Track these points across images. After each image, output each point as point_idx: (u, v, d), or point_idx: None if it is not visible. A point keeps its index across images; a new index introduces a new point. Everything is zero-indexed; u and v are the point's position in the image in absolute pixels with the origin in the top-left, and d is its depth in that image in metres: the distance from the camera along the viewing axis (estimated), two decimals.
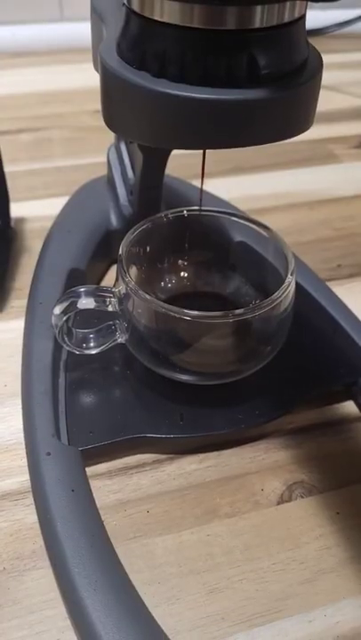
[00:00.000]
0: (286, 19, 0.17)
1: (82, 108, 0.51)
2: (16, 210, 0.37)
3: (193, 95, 0.17)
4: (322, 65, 0.19)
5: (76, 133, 0.48)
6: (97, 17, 0.22)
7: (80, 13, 0.62)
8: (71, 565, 0.20)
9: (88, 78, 0.54)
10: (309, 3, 0.17)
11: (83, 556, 0.21)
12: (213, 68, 0.17)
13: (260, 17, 0.16)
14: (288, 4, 0.16)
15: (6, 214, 0.35)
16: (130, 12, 0.18)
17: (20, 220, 0.38)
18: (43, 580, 0.22)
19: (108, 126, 0.20)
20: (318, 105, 0.19)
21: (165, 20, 0.16)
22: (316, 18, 0.62)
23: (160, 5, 0.16)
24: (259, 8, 0.16)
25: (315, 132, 0.47)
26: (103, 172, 0.38)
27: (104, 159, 0.39)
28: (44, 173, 0.43)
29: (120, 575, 0.21)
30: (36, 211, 0.39)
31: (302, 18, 0.17)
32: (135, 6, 0.17)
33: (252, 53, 0.16)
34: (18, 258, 0.35)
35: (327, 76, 0.38)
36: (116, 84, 0.18)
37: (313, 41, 0.20)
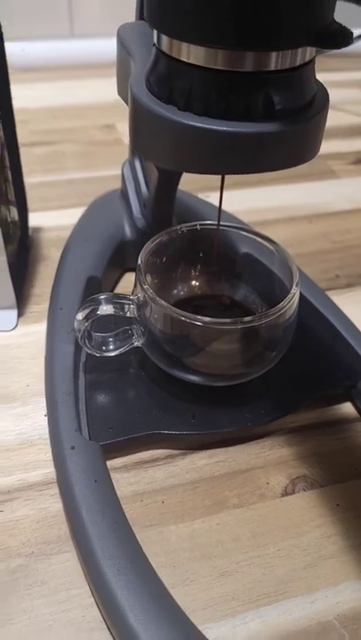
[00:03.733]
0: (298, 62, 0.19)
1: (92, 122, 0.53)
2: (32, 220, 0.39)
3: (215, 128, 0.19)
4: (328, 99, 0.21)
5: (87, 147, 0.50)
6: (124, 50, 0.24)
7: (90, 30, 0.64)
8: (97, 549, 0.22)
9: (96, 94, 0.57)
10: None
11: (107, 540, 0.23)
12: (233, 104, 0.19)
13: (275, 61, 0.18)
14: (300, 49, 0.19)
15: (25, 224, 0.37)
16: (159, 52, 0.20)
17: (36, 230, 0.40)
18: (68, 562, 0.24)
19: (137, 151, 0.22)
20: None
21: (191, 61, 0.19)
22: None
23: (187, 48, 0.19)
24: (274, 54, 0.18)
25: None
26: (113, 184, 0.41)
27: (113, 172, 0.41)
28: (57, 185, 0.45)
29: (141, 558, 0.23)
30: (50, 221, 0.41)
31: (312, 60, 0.20)
32: (164, 48, 0.19)
33: (268, 92, 0.19)
34: (35, 265, 0.37)
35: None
36: (146, 115, 0.20)
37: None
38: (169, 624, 0.21)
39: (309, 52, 0.19)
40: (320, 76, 0.22)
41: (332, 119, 0.57)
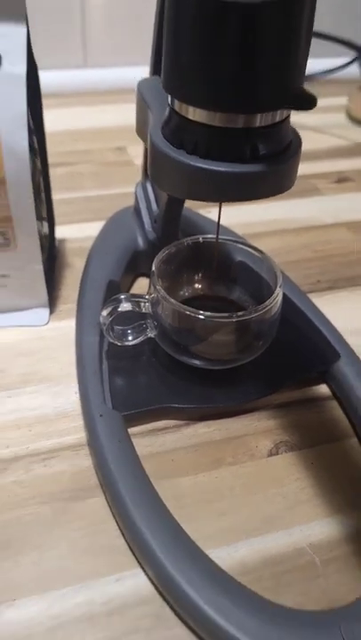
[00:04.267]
0: (277, 120, 0.25)
1: (106, 145, 0.59)
2: (56, 232, 0.46)
3: (214, 168, 0.25)
4: (301, 144, 0.27)
5: (101, 168, 0.56)
6: (143, 101, 0.30)
7: (101, 61, 0.70)
8: (123, 493, 0.28)
9: (109, 119, 0.63)
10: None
11: (130, 486, 0.28)
12: (228, 150, 0.25)
13: (259, 120, 0.24)
14: (278, 111, 0.25)
15: (52, 237, 0.43)
16: (172, 110, 0.26)
17: (61, 241, 0.46)
18: (97, 504, 0.29)
19: (154, 182, 0.28)
20: (305, 145, 0.28)
21: (197, 119, 0.25)
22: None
23: (193, 110, 0.25)
24: (259, 115, 0.24)
25: (301, 169, 0.56)
26: (125, 201, 0.47)
27: (125, 190, 0.47)
28: (77, 202, 0.51)
29: (157, 500, 0.28)
30: (72, 233, 0.47)
31: (287, 117, 0.26)
32: (176, 107, 0.25)
33: (255, 142, 0.25)
34: (61, 272, 0.43)
35: (314, 119, 0.48)
36: (162, 157, 0.26)
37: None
38: (180, 546, 0.27)
39: (286, 112, 0.25)
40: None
41: (318, 142, 0.64)
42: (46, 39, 0.66)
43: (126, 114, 0.64)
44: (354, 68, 0.69)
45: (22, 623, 0.25)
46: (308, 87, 0.27)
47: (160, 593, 0.26)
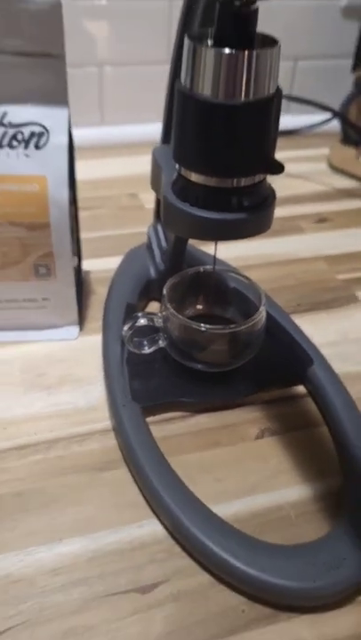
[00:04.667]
0: (256, 181, 0.34)
1: (121, 192, 0.69)
2: (83, 265, 0.54)
3: (210, 216, 0.34)
4: (275, 197, 0.36)
5: (118, 211, 0.65)
6: (157, 165, 0.39)
7: (116, 120, 0.80)
8: (143, 463, 0.36)
9: (123, 170, 0.73)
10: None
11: (149, 458, 0.37)
12: (221, 203, 0.34)
13: (244, 182, 0.33)
14: (257, 175, 0.34)
15: (80, 268, 0.52)
16: (179, 174, 0.35)
17: (86, 272, 0.55)
18: (121, 473, 0.37)
19: (166, 227, 0.37)
20: (290, 189, 0.37)
21: (197, 181, 0.34)
22: (293, 122, 0.81)
23: (195, 175, 0.34)
24: (243, 178, 0.33)
25: (287, 211, 0.66)
26: (139, 239, 0.56)
27: (139, 230, 0.56)
28: (98, 240, 0.60)
29: (169, 468, 0.36)
30: (95, 266, 0.56)
31: (264, 179, 0.35)
32: (182, 172, 0.34)
33: (240, 197, 0.34)
34: (87, 297, 0.52)
35: (298, 167, 0.59)
36: (172, 208, 0.35)
37: (289, 140, 0.37)
38: (187, 501, 0.35)
39: (262, 175, 0.34)
40: (295, 153, 0.36)
41: (302, 188, 0.73)
42: (70, 102, 0.77)
43: (137, 165, 0.74)
44: (335, 123, 0.79)
45: (68, 555, 0.33)
46: (294, 142, 0.36)
47: (171, 535, 0.34)
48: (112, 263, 0.54)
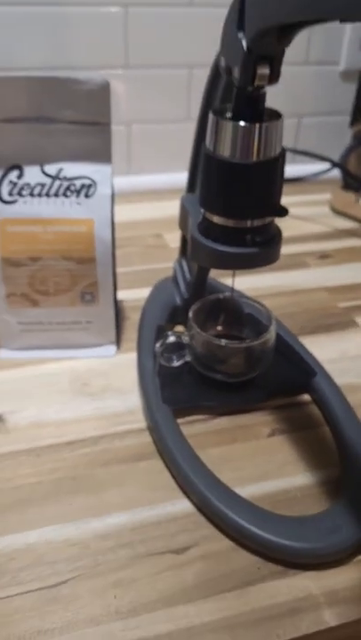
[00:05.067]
0: (267, 222, 0.42)
1: (146, 232, 0.77)
2: (118, 295, 0.62)
3: (229, 250, 0.42)
4: (281, 235, 0.44)
5: (145, 249, 0.74)
6: (185, 209, 0.48)
7: (141, 170, 0.90)
8: (176, 454, 0.43)
9: (148, 214, 0.82)
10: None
11: (180, 449, 0.44)
12: (237, 240, 0.42)
13: (257, 222, 0.41)
14: (267, 217, 0.42)
15: (116, 298, 0.60)
16: (204, 217, 0.43)
17: (120, 301, 0.63)
18: (156, 463, 0.45)
19: (193, 259, 0.45)
20: (297, 230, 0.44)
21: (218, 222, 0.42)
22: (298, 170, 0.91)
23: (217, 217, 0.42)
24: (257, 220, 0.41)
25: (294, 248, 0.74)
26: (164, 273, 0.64)
27: (164, 265, 0.64)
28: (128, 274, 0.68)
29: (197, 458, 0.44)
30: (128, 296, 0.64)
31: (272, 221, 0.43)
32: (207, 215, 0.43)
33: (254, 235, 0.42)
34: (122, 322, 0.60)
35: (304, 210, 0.69)
36: (198, 244, 0.43)
37: (295, 186, 0.45)
38: (213, 483, 0.42)
39: (271, 217, 0.42)
40: (301, 198, 0.45)
41: (307, 228, 0.82)
42: None
43: (160, 209, 0.83)
44: (335, 172, 0.88)
45: (115, 525, 0.40)
46: (299, 189, 0.44)
47: (199, 510, 0.41)
48: (141, 293, 0.62)
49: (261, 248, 0.42)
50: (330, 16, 0.23)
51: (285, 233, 0.43)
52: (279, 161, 0.40)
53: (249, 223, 0.41)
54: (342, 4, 0.22)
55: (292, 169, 0.90)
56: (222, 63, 0.39)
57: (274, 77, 0.35)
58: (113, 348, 0.56)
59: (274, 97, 0.38)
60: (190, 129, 0.50)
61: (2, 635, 0.34)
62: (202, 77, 0.46)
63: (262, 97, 0.38)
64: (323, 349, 0.56)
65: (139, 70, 0.82)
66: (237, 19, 0.34)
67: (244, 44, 0.34)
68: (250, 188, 0.39)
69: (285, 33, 0.32)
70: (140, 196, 0.86)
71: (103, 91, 0.46)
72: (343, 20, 0.23)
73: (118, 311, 0.60)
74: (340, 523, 0.39)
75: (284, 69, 0.36)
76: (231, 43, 0.36)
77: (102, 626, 0.35)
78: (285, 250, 0.43)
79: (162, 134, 0.87)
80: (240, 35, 0.34)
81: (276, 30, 0.32)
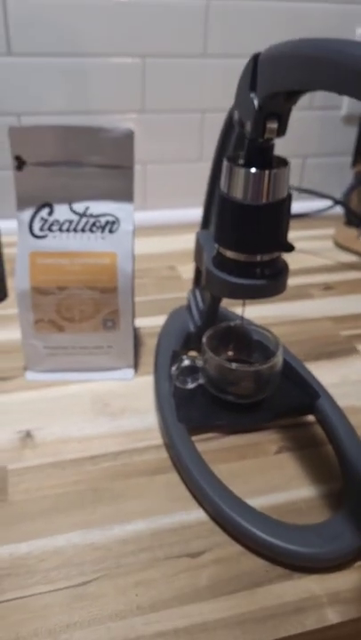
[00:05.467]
0: (275, 256, 0.46)
1: (161, 264, 0.82)
2: (135, 322, 0.67)
3: (241, 282, 0.46)
4: (288, 268, 0.48)
5: (160, 281, 0.78)
6: (200, 244, 0.52)
7: (156, 206, 0.95)
8: (191, 468, 0.47)
9: (162, 247, 0.87)
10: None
11: (195, 464, 0.47)
12: (248, 273, 0.46)
13: (267, 257, 0.46)
14: (275, 253, 0.46)
15: (134, 325, 0.64)
16: (218, 251, 0.47)
17: (137, 328, 0.67)
18: (172, 477, 0.48)
19: (207, 289, 0.49)
20: (302, 263, 0.49)
21: (231, 257, 0.46)
22: (304, 207, 0.95)
23: (228, 252, 0.46)
24: (266, 255, 0.45)
25: (299, 280, 0.79)
26: (178, 302, 0.68)
27: (178, 295, 0.69)
28: (144, 303, 0.72)
29: (210, 471, 0.47)
30: (144, 323, 0.68)
31: (280, 255, 0.47)
32: (220, 250, 0.47)
33: (263, 269, 0.46)
34: (139, 347, 0.64)
35: (308, 245, 0.74)
36: (213, 276, 0.47)
37: (301, 222, 0.50)
38: (225, 494, 0.45)
39: (278, 253, 0.47)
40: (306, 233, 0.49)
41: (312, 261, 0.86)
42: None
43: (173, 243, 0.88)
44: (338, 209, 0.93)
45: (135, 531, 0.44)
46: (305, 224, 0.49)
47: (212, 519, 0.44)
48: (156, 321, 0.66)
49: (270, 280, 0.46)
50: (326, 89, 0.28)
51: (291, 266, 0.47)
52: (286, 202, 0.44)
53: (259, 258, 0.45)
54: (333, 82, 0.27)
55: (297, 205, 0.95)
56: (236, 117, 0.44)
57: (281, 131, 0.40)
58: (131, 371, 0.60)
59: (281, 139, 0.42)
60: (202, 169, 0.55)
61: (33, 627, 0.37)
62: (213, 120, 0.51)
63: (271, 147, 0.42)
64: (326, 374, 0.60)
65: (154, 115, 0.88)
66: (250, 81, 0.39)
67: (256, 102, 0.39)
68: (260, 227, 0.44)
69: (291, 96, 0.37)
70: (155, 231, 0.91)
71: (127, 138, 0.51)
72: (340, 93, 0.27)
73: (136, 337, 0.64)
74: (341, 531, 0.42)
75: (293, 114, 0.40)
76: (244, 100, 0.40)
77: (125, 620, 0.38)
78: (291, 281, 0.47)
79: (175, 173, 0.93)
80: (252, 94, 0.39)
81: (283, 94, 0.36)
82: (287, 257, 0.47)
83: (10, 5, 0.76)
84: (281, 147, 0.43)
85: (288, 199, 0.44)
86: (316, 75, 0.29)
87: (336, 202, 0.86)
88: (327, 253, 0.88)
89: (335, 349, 0.66)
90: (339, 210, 0.92)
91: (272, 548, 0.41)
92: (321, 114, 0.95)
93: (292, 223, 0.45)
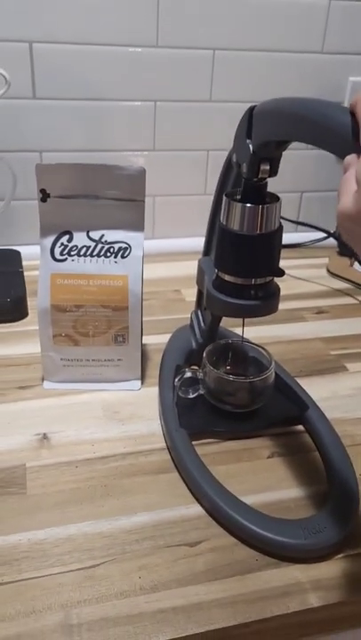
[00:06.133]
0: (268, 280, 0.50)
1: (167, 288, 0.86)
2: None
3: (238, 302, 0.50)
4: (280, 291, 0.53)
5: (165, 302, 0.83)
6: (201, 269, 0.57)
7: (164, 235, 1.00)
8: (191, 468, 0.50)
9: (168, 272, 0.91)
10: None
11: (195, 465, 0.51)
12: (244, 294, 0.50)
13: (260, 280, 0.50)
14: (268, 277, 0.50)
15: (141, 341, 0.69)
16: (217, 275, 0.52)
17: (144, 345, 0.71)
18: (174, 476, 0.52)
19: (209, 309, 0.54)
20: (296, 289, 0.53)
21: (229, 280, 0.50)
22: (299, 237, 1.00)
23: (226, 275, 0.51)
24: (260, 279, 0.50)
25: (293, 305, 0.83)
26: (182, 322, 0.72)
27: (182, 316, 0.73)
28: (151, 322, 0.76)
29: (208, 472, 0.51)
30: (150, 340, 0.72)
31: (272, 279, 0.51)
32: (220, 274, 0.51)
33: (257, 290, 0.50)
34: (146, 362, 0.68)
35: (303, 272, 0.79)
36: (213, 297, 0.51)
37: (297, 251, 0.55)
38: (221, 491, 0.49)
39: (271, 277, 0.51)
40: (302, 261, 0.54)
41: (306, 287, 0.91)
42: None
43: (178, 268, 0.92)
44: (332, 239, 0.98)
45: (140, 523, 0.47)
46: (300, 253, 0.53)
47: (209, 513, 0.48)
48: (161, 339, 0.70)
49: (263, 301, 0.50)
50: (309, 143, 0.33)
51: (286, 291, 0.51)
52: (278, 233, 0.49)
53: (253, 281, 0.49)
54: (314, 139, 0.32)
55: (294, 236, 1.00)
56: (234, 159, 0.49)
57: (273, 172, 0.45)
58: (139, 382, 0.64)
59: (281, 175, 0.46)
60: (205, 201, 0.60)
61: (48, 603, 0.41)
62: (217, 158, 0.56)
63: (265, 185, 0.47)
64: (317, 389, 0.64)
65: (163, 152, 0.94)
66: (246, 130, 0.44)
67: (251, 148, 0.44)
68: (254, 254, 0.48)
69: (281, 144, 0.42)
70: (162, 257, 0.96)
71: (140, 175, 0.56)
72: (320, 147, 0.32)
73: (143, 352, 0.69)
74: (324, 526, 0.46)
75: (290, 153, 0.45)
76: (241, 146, 0.45)
77: (129, 598, 0.41)
78: (286, 305, 0.52)
79: (181, 206, 0.98)
80: (248, 141, 0.44)
81: (274, 142, 0.41)
82: (282, 283, 0.51)
83: (35, 54, 0.82)
84: (280, 181, 0.48)
85: (279, 230, 0.49)
86: (300, 131, 0.34)
87: (329, 234, 0.91)
88: (321, 280, 0.92)
89: (325, 367, 0.70)
90: (332, 241, 0.97)
91: (262, 539, 0.45)
92: (316, 153, 1.00)
93: (289, 252, 0.50)
